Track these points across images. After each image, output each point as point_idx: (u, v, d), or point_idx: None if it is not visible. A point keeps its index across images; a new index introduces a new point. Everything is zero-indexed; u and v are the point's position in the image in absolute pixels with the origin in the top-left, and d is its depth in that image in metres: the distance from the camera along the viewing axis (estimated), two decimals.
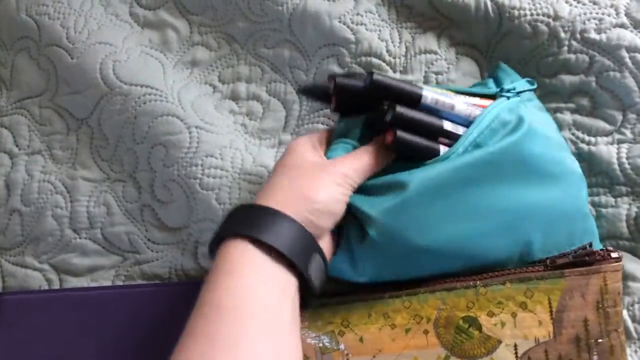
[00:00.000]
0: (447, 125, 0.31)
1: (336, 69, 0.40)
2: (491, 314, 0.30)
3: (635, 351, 0.34)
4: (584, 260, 0.31)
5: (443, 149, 0.31)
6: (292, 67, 0.41)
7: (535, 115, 0.32)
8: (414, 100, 0.31)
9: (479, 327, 0.30)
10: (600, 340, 0.30)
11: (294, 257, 0.26)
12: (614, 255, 0.30)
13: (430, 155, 0.31)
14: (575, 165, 0.32)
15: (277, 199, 0.28)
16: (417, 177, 0.29)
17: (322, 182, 0.29)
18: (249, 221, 0.27)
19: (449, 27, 0.40)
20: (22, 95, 0.42)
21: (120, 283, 0.38)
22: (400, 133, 0.30)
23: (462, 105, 0.32)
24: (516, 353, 0.30)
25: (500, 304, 0.31)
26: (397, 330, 0.31)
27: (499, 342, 0.30)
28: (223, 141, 0.40)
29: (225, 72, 0.42)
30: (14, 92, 0.42)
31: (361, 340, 0.31)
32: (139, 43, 0.42)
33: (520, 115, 0.31)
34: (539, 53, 0.38)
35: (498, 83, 0.35)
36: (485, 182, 0.30)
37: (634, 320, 0.34)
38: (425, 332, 0.31)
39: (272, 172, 0.30)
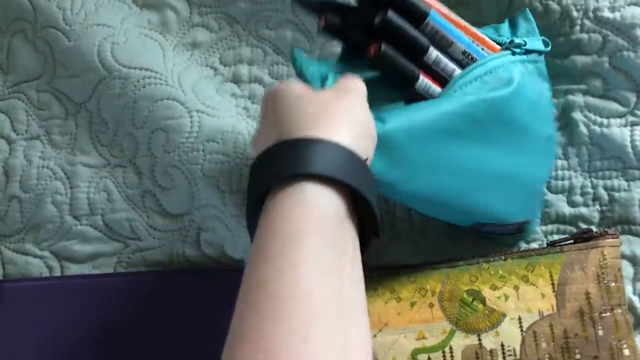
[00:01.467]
0: (433, 55, 0.38)
1: (339, 50, 0.51)
2: (494, 287, 0.41)
3: None
4: (582, 237, 0.41)
5: (425, 84, 0.38)
6: (295, 48, 0.52)
7: (530, 79, 0.40)
8: (417, 17, 0.37)
9: (483, 300, 0.41)
10: (604, 315, 0.40)
11: (351, 180, 0.28)
12: (610, 232, 0.41)
13: (409, 79, 0.37)
14: (551, 145, 0.42)
15: (319, 127, 0.29)
16: (395, 116, 0.35)
17: (357, 103, 0.32)
18: (305, 158, 0.27)
19: (458, 5, 0.50)
20: (18, 79, 0.53)
21: (122, 270, 0.49)
22: (385, 46, 0.36)
23: (462, 46, 0.39)
24: (521, 327, 0.40)
25: (502, 277, 0.41)
26: (403, 303, 0.41)
27: (504, 315, 0.40)
28: (225, 125, 0.51)
29: (227, 54, 0.53)
30: (10, 75, 0.53)
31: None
32: (138, 24, 0.53)
33: (512, 75, 0.39)
34: (550, 32, 0.48)
35: (513, 31, 0.43)
36: (463, 136, 0.37)
37: None
38: (430, 305, 0.41)
39: (279, 108, 0.31)
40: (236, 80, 0.53)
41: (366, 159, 0.31)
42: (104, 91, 0.51)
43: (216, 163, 0.50)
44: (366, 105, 0.33)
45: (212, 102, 0.51)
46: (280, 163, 0.28)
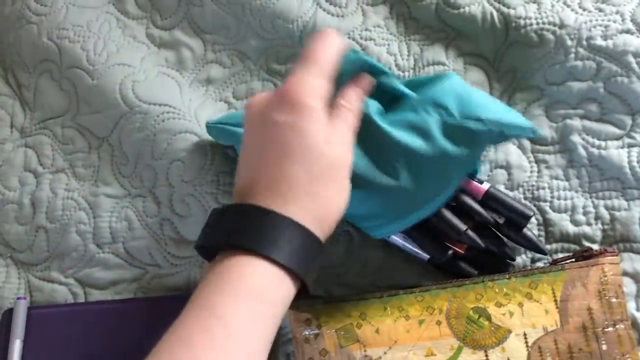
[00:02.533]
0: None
1: None
2: (499, 305, 0.43)
3: None
4: (582, 255, 0.43)
5: None
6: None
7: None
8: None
9: (489, 317, 0.43)
10: (607, 330, 0.42)
11: (301, 271, 0.31)
12: (610, 250, 0.43)
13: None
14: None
15: (289, 203, 0.31)
16: None
17: (342, 184, 0.34)
18: (268, 237, 0.30)
19: (457, 38, 0.54)
20: (45, 116, 0.57)
21: (142, 295, 0.52)
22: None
23: None
24: (526, 342, 0.42)
25: (507, 295, 0.43)
26: (411, 321, 0.43)
27: (509, 331, 0.42)
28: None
29: (239, 88, 0.57)
30: (37, 113, 0.57)
31: (377, 331, 0.44)
32: (156, 63, 0.57)
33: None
34: (546, 61, 0.52)
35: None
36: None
37: None
38: (438, 322, 0.43)
39: (277, 144, 0.32)
40: None
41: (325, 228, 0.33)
42: (125, 125, 0.55)
43: (230, 193, 0.53)
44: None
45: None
46: (244, 229, 0.30)
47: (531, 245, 0.47)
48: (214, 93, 0.57)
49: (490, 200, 0.47)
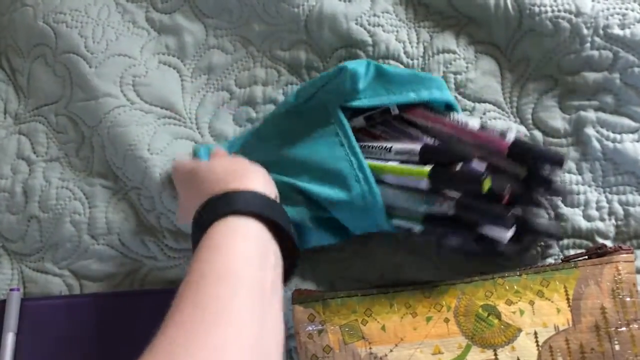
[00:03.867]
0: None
1: None
2: (509, 303, 0.42)
3: None
4: (596, 252, 0.43)
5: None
6: (309, 68, 0.55)
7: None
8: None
9: (498, 315, 0.42)
10: (620, 330, 0.41)
11: (276, 217, 0.38)
12: (625, 247, 0.42)
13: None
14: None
15: (236, 183, 0.40)
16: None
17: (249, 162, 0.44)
18: (230, 202, 0.38)
19: (468, 25, 0.53)
20: (38, 103, 0.56)
21: (139, 288, 0.51)
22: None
23: None
24: (537, 341, 0.41)
25: (517, 292, 0.42)
26: (419, 318, 0.43)
27: (519, 330, 0.42)
28: None
29: (242, 76, 0.55)
30: (31, 99, 0.56)
31: (383, 328, 0.43)
32: (157, 51, 0.56)
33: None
34: (560, 50, 0.51)
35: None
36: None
37: None
38: (446, 320, 0.42)
39: (198, 179, 0.42)
40: (251, 102, 0.55)
41: (275, 197, 0.42)
42: (119, 116, 0.54)
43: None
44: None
45: (227, 139, 0.54)
46: (216, 208, 0.38)
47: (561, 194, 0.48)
48: (215, 82, 0.56)
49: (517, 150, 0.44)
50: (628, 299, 0.41)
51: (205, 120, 0.55)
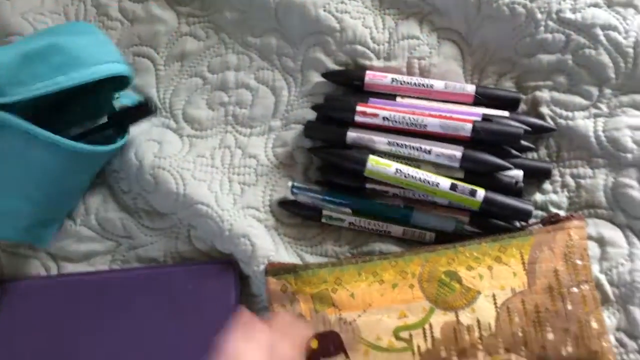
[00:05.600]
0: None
1: (322, 57, 0.56)
2: (470, 268, 0.45)
3: (614, 313, 0.48)
4: (550, 221, 0.46)
5: None
6: (280, 55, 0.57)
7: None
8: None
9: (460, 280, 0.45)
10: (572, 290, 0.44)
11: None
12: (576, 215, 0.45)
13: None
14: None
15: None
16: None
17: None
18: None
19: (431, 13, 0.56)
20: None
21: (117, 267, 0.53)
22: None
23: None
24: (495, 303, 0.44)
25: (477, 259, 0.45)
26: (385, 285, 0.45)
27: (479, 293, 0.45)
28: (213, 142, 0.56)
29: (214, 62, 0.58)
30: None
31: (352, 296, 0.46)
32: (131, 42, 0.58)
33: None
34: (517, 34, 0.54)
35: None
36: None
37: (611, 284, 0.49)
38: (411, 286, 0.45)
39: None
40: (223, 87, 0.57)
41: None
42: None
43: (205, 172, 0.54)
44: None
45: (200, 124, 0.57)
46: None
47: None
48: (189, 68, 0.58)
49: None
50: (579, 262, 0.45)
51: (178, 107, 0.57)
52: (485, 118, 0.51)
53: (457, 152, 0.49)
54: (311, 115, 0.55)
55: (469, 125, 0.49)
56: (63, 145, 0.46)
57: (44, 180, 0.48)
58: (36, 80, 0.44)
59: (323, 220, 0.51)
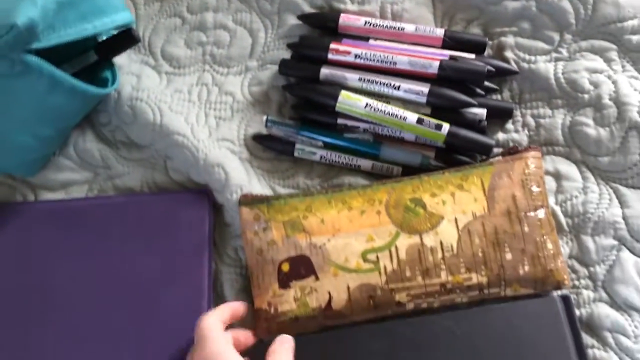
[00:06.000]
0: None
1: (299, 0, 0.58)
2: (434, 195, 0.48)
3: (567, 242, 0.51)
4: (509, 152, 0.49)
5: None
6: None
7: None
8: None
9: (424, 206, 0.48)
10: (528, 214, 0.47)
11: None
12: (533, 147, 0.49)
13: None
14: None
15: None
16: None
17: None
18: None
19: None
20: None
21: (94, 195, 0.54)
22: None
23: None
24: (457, 226, 0.47)
25: (440, 187, 0.48)
26: (354, 212, 0.48)
27: (442, 218, 0.47)
28: (191, 80, 0.57)
29: (194, 3, 0.59)
30: None
31: (322, 221, 0.48)
32: None
33: None
34: None
35: None
36: None
37: (565, 215, 0.52)
38: (378, 212, 0.48)
39: None
40: (202, 27, 0.59)
41: None
42: None
43: (182, 107, 0.55)
44: None
45: (179, 62, 0.59)
46: None
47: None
48: (168, 9, 0.60)
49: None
50: (536, 188, 0.48)
51: (157, 45, 0.59)
52: (452, 58, 0.53)
53: (424, 87, 0.51)
54: (286, 56, 0.57)
55: (436, 63, 0.52)
56: (80, 89, 0.48)
57: (55, 120, 0.51)
58: (65, 27, 0.46)
59: (296, 154, 0.53)
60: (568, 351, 0.45)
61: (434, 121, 0.51)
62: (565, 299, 0.47)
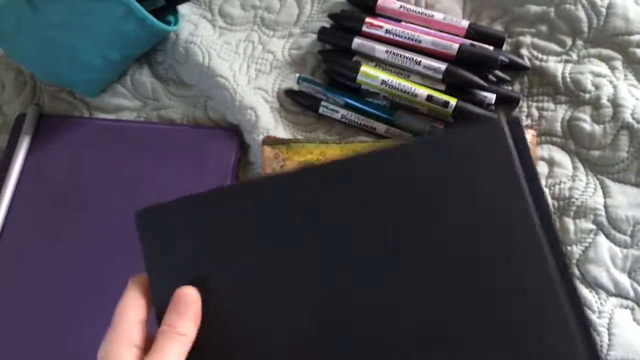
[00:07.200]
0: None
1: None
2: None
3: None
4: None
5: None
6: None
7: None
8: None
9: None
10: None
11: None
12: (530, 125, 0.54)
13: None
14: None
15: None
16: None
17: None
18: None
19: None
20: None
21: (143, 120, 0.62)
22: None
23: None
24: None
25: None
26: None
27: None
28: (240, 36, 0.65)
29: None
30: None
31: None
32: None
33: None
34: None
35: None
36: None
37: (552, 197, 0.57)
38: None
39: None
40: None
41: None
42: None
43: (228, 57, 0.63)
44: None
45: (232, 19, 0.66)
46: None
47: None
48: None
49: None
50: None
51: (217, 3, 0.66)
52: (472, 45, 0.59)
53: (442, 65, 0.58)
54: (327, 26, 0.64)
55: (456, 46, 0.58)
56: (149, 22, 0.57)
57: (123, 47, 0.59)
58: None
59: (320, 110, 0.60)
60: (518, 180, 0.35)
61: (442, 98, 0.57)
62: (511, 123, 0.36)
